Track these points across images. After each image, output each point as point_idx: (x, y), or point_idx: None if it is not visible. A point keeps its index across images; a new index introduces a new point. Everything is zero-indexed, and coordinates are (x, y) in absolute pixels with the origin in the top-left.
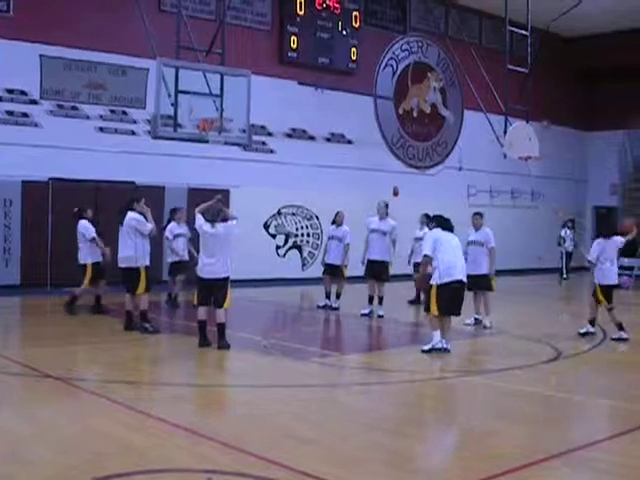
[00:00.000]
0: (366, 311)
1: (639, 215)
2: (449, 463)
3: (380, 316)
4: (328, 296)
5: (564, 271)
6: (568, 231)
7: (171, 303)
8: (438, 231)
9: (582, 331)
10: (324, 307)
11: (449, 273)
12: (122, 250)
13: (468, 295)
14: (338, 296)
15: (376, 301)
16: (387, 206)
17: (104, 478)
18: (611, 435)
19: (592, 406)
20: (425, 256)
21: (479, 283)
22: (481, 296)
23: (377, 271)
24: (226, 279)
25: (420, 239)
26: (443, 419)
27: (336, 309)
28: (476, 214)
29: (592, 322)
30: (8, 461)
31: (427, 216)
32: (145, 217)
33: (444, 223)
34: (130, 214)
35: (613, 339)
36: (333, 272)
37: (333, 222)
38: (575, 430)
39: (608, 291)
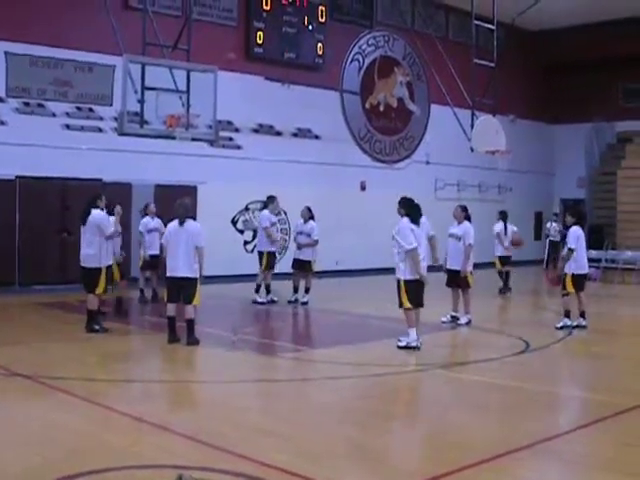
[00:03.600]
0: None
1: (605, 208)
2: (419, 455)
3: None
4: (296, 290)
5: (548, 262)
6: (554, 224)
7: (150, 298)
8: (409, 222)
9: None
10: (293, 302)
11: (416, 271)
12: (84, 248)
13: (446, 291)
14: (307, 291)
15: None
16: (465, 209)
17: (75, 475)
18: (578, 426)
19: (559, 398)
20: (413, 249)
21: (455, 279)
22: (458, 293)
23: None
24: (194, 279)
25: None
26: (413, 412)
27: (305, 304)
28: (458, 207)
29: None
30: None
31: (502, 212)
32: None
33: (414, 213)
34: (94, 212)
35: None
36: (302, 267)
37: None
38: (543, 421)
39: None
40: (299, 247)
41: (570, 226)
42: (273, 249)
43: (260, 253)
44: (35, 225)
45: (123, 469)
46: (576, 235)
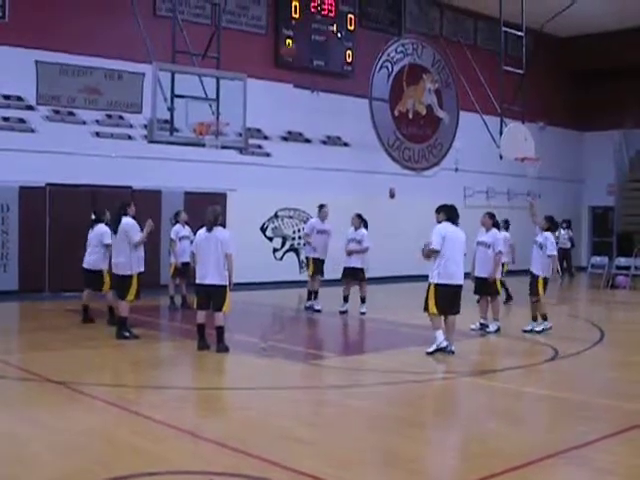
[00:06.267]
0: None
1: (635, 215)
2: (449, 463)
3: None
4: (347, 300)
5: (559, 270)
6: (563, 231)
7: (180, 305)
8: (448, 226)
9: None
10: (344, 312)
11: (449, 277)
12: (116, 256)
13: (474, 298)
14: (363, 300)
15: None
16: (492, 216)
17: None
18: (609, 434)
19: (590, 405)
20: (433, 250)
21: (483, 287)
22: (487, 300)
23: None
24: (224, 286)
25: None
26: (442, 419)
27: (363, 314)
28: (486, 214)
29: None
30: (10, 464)
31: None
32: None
33: (453, 214)
34: (125, 220)
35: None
36: (354, 275)
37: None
38: (573, 429)
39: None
40: (349, 254)
41: (544, 231)
42: (316, 255)
43: (307, 259)
44: (65, 232)
45: (153, 474)
46: (552, 241)
